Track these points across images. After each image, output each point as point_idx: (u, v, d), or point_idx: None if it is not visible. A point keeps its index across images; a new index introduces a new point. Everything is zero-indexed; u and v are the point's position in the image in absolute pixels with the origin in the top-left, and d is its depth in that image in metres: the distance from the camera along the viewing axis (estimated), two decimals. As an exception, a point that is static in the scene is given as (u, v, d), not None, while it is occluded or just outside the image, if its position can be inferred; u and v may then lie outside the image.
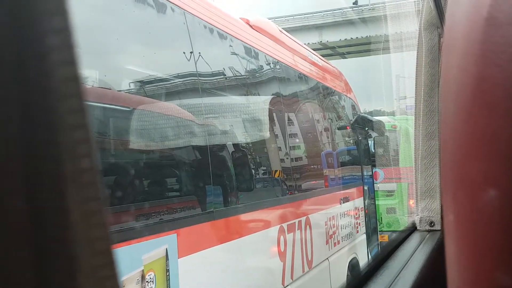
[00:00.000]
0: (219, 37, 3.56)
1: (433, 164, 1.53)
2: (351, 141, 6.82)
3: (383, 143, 7.64)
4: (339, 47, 23.45)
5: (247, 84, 4.09)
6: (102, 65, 2.47)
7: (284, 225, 4.00)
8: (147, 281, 2.29)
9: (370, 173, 7.41)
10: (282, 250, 3.91)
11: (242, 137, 3.86)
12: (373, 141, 7.55)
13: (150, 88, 2.88)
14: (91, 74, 2.32)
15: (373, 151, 7.69)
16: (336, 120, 6.31)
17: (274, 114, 4.35)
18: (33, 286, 0.19)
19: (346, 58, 25.69)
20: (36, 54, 0.19)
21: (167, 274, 2.45)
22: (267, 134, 4.17)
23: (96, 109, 2.37)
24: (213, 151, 3.17)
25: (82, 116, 0.21)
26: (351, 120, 6.76)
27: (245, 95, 4.12)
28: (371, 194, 7.37)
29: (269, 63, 4.41)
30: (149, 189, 2.70)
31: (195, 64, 3.11)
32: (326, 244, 5.05)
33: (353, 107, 7.05)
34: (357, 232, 6.35)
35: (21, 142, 0.19)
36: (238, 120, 3.86)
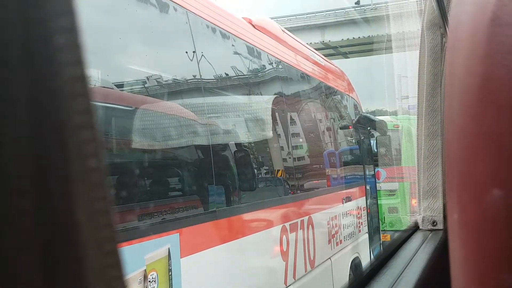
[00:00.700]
0: (222, 37, 3.56)
1: (435, 164, 1.53)
2: (354, 141, 6.82)
3: (385, 142, 7.64)
4: (342, 46, 23.43)
5: (250, 84, 4.09)
6: (102, 65, 2.48)
7: (287, 225, 4.00)
8: (149, 281, 2.29)
9: (372, 172, 7.40)
10: (285, 249, 3.91)
11: (244, 137, 3.86)
12: (375, 141, 7.55)
13: (152, 87, 2.88)
14: (93, 74, 2.33)
15: (375, 150, 7.68)
16: (339, 120, 6.31)
17: (277, 114, 4.35)
18: None
19: (348, 57, 25.66)
20: (43, 54, 0.19)
21: (170, 274, 2.46)
22: (269, 133, 4.17)
23: (100, 109, 2.37)
24: (215, 150, 3.17)
25: (89, 116, 0.21)
26: (354, 119, 6.75)
27: (247, 94, 4.12)
28: (373, 194, 7.37)
29: (272, 63, 4.41)
30: (152, 189, 2.70)
31: (198, 63, 3.11)
32: (329, 244, 5.05)
33: (356, 106, 7.05)
34: (360, 231, 6.35)
35: (28, 142, 0.19)
36: (241, 119, 3.86)
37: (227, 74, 3.71)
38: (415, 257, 1.17)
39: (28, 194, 0.19)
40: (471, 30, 0.32)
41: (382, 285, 0.97)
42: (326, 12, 22.28)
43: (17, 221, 0.19)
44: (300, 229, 4.26)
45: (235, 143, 3.63)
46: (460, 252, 0.33)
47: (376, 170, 7.83)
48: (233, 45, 3.74)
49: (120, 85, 2.67)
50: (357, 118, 6.87)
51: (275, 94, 4.42)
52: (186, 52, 3.07)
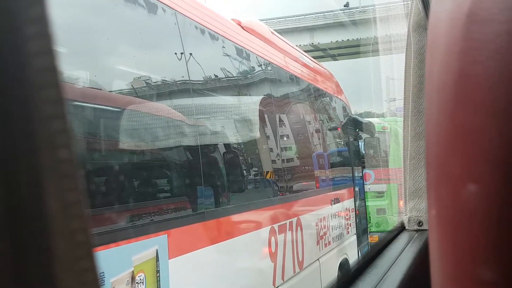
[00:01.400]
0: (211, 38, 3.56)
1: (421, 165, 1.54)
2: (342, 143, 6.85)
3: (373, 144, 7.68)
4: (331, 49, 23.54)
5: (239, 85, 4.09)
6: (91, 66, 2.46)
7: (275, 226, 4.00)
8: (137, 282, 2.28)
9: (360, 174, 7.44)
10: (273, 251, 3.91)
11: (233, 138, 3.86)
12: (363, 142, 7.59)
13: (140, 88, 2.87)
14: (81, 75, 2.31)
15: (364, 152, 7.72)
16: (327, 122, 6.33)
17: (265, 115, 4.36)
18: (9, 278, 0.19)
19: (337, 60, 25.77)
20: (12, 44, 0.19)
21: (158, 275, 2.44)
22: (258, 135, 4.18)
23: (88, 109, 2.35)
24: (204, 152, 3.17)
25: (60, 106, 0.20)
26: (342, 121, 6.78)
27: (236, 96, 4.12)
28: (361, 195, 7.41)
29: (261, 64, 4.41)
30: (140, 190, 2.69)
31: (186, 64, 3.10)
32: (317, 245, 5.06)
33: (344, 108, 7.08)
34: (348, 233, 6.37)
35: (-2, 133, 0.19)
36: (229, 121, 3.86)
37: (216, 76, 3.71)
38: (400, 257, 1.18)
39: (-3, 184, 0.19)
40: (448, 27, 0.32)
41: (367, 284, 0.97)
42: (316, 14, 22.37)
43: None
44: (288, 230, 4.26)
45: (224, 145, 3.63)
46: (437, 246, 0.34)
47: (364, 171, 7.88)
48: (222, 47, 3.74)
49: (108, 86, 2.66)
50: (345, 120, 6.90)
51: (264, 95, 4.42)
52: (175, 53, 3.06)
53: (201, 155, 3.08)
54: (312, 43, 22.14)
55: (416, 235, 1.47)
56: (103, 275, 2.00)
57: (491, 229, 0.30)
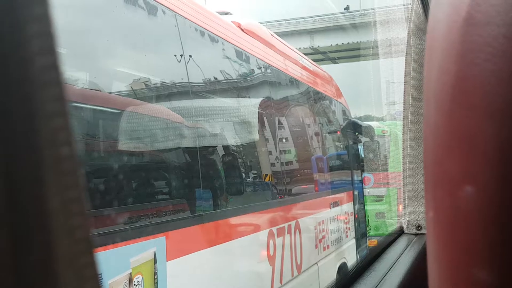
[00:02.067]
0: (211, 40, 3.57)
1: (420, 168, 1.55)
2: (342, 146, 6.85)
3: (373, 148, 7.69)
4: (330, 52, 23.57)
5: (238, 88, 4.09)
6: (89, 67, 2.47)
7: (274, 229, 4.00)
8: (134, 284, 2.27)
9: (360, 178, 7.44)
10: (272, 254, 3.91)
11: (232, 141, 3.86)
12: (362, 146, 7.59)
13: (139, 90, 2.87)
14: (79, 76, 2.32)
15: (363, 156, 7.73)
16: (327, 125, 6.33)
17: (265, 118, 4.36)
18: (10, 274, 0.19)
19: (337, 63, 25.81)
20: (14, 42, 0.20)
21: (155, 277, 2.44)
22: (257, 137, 4.18)
23: (86, 111, 2.36)
24: (202, 154, 3.17)
25: (62, 104, 0.21)
26: (342, 125, 6.79)
27: (235, 98, 4.13)
28: (360, 199, 7.40)
29: (260, 67, 4.42)
30: (138, 192, 2.69)
31: (186, 66, 3.11)
32: (316, 249, 5.06)
33: (344, 112, 7.09)
34: (347, 236, 6.37)
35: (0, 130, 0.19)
36: (228, 123, 3.86)
37: (215, 78, 3.71)
38: (399, 260, 1.18)
39: (-1, 181, 0.19)
40: (446, 30, 0.32)
41: (366, 287, 0.97)
42: (315, 18, 22.42)
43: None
44: (287, 233, 4.26)
45: (223, 147, 3.63)
46: (435, 248, 0.34)
47: (363, 175, 7.88)
48: (222, 49, 3.74)
49: (107, 88, 2.66)
50: (345, 123, 6.91)
51: (263, 98, 4.43)
52: (175, 55, 3.07)
53: (200, 157, 3.08)
54: (312, 46, 22.18)
55: (415, 239, 1.47)
56: (101, 276, 1.99)
57: (488, 230, 0.30)
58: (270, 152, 4.40)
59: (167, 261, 2.53)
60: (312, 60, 6.85)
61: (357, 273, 1.06)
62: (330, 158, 6.21)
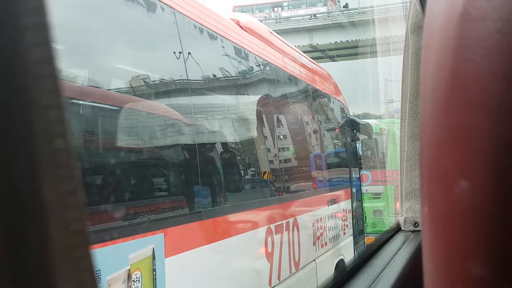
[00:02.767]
0: (209, 37, 3.56)
1: (417, 166, 1.55)
2: (340, 144, 6.86)
3: (371, 145, 7.69)
4: (329, 49, 23.57)
5: (237, 85, 4.09)
6: (87, 63, 2.46)
7: (272, 226, 4.01)
8: (133, 281, 2.28)
9: (358, 175, 7.45)
10: (270, 251, 3.92)
11: (231, 138, 3.86)
12: (361, 144, 7.60)
13: (138, 87, 2.86)
14: (77, 72, 2.31)
15: (361, 153, 7.73)
16: (325, 123, 6.34)
17: (263, 115, 4.36)
18: (4, 266, 0.19)
19: (335, 61, 25.82)
20: (9, 34, 0.20)
21: (154, 273, 2.44)
22: (255, 135, 4.18)
23: (84, 107, 2.35)
24: (201, 151, 3.17)
25: (57, 96, 0.21)
26: (340, 122, 6.79)
27: (234, 95, 4.13)
28: (358, 197, 7.42)
29: (259, 64, 4.42)
30: (137, 188, 2.69)
31: (185, 63, 3.10)
32: (314, 246, 5.07)
33: (342, 109, 7.09)
34: (344, 234, 6.38)
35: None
36: (227, 121, 3.86)
37: (214, 75, 3.71)
38: (395, 257, 1.18)
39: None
40: (442, 26, 0.32)
41: (362, 283, 0.98)
42: (314, 15, 22.40)
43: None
44: (285, 230, 4.26)
45: (221, 144, 3.63)
46: (430, 243, 0.34)
47: (361, 173, 7.89)
48: (220, 46, 3.74)
49: (104, 84, 2.66)
50: (343, 121, 6.91)
51: (262, 95, 4.43)
52: (173, 52, 3.06)
53: (198, 154, 3.08)
54: (311, 44, 22.18)
55: (412, 235, 1.48)
56: (100, 273, 2.00)
57: (483, 225, 0.30)
58: (268, 150, 4.40)
59: (165, 257, 2.53)
60: (311, 57, 6.85)
61: (354, 269, 1.07)
62: (328, 155, 6.21)
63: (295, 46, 6.56)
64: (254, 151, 4.27)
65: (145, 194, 2.73)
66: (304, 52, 7.07)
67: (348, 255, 6.34)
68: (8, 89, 0.19)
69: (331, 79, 6.90)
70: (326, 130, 6.31)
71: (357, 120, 7.67)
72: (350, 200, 6.78)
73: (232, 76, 3.95)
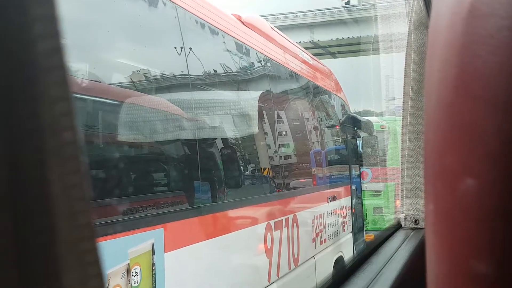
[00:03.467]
0: (211, 33, 3.56)
1: (419, 163, 1.55)
2: (340, 141, 6.86)
3: (371, 143, 7.69)
4: (330, 46, 23.52)
5: (237, 81, 4.09)
6: (89, 59, 2.46)
7: (271, 222, 4.01)
8: (132, 275, 2.28)
9: (358, 172, 7.45)
10: (269, 247, 3.92)
11: (231, 134, 3.86)
12: (361, 141, 7.60)
13: (139, 82, 2.86)
14: (79, 67, 2.31)
15: (361, 150, 7.73)
16: (326, 119, 6.33)
17: (264, 112, 4.36)
18: (11, 257, 0.19)
19: (337, 57, 25.77)
20: (18, 26, 0.19)
21: (153, 268, 2.45)
22: (256, 131, 4.18)
23: (86, 102, 2.35)
24: (201, 146, 3.17)
25: (65, 89, 0.21)
26: (341, 119, 6.79)
27: (235, 91, 4.12)
28: (358, 194, 7.42)
29: (260, 60, 4.41)
30: (137, 183, 2.69)
31: (186, 59, 3.10)
32: (313, 242, 5.07)
33: (343, 106, 7.08)
34: (344, 231, 6.39)
35: (2, 113, 0.19)
36: (227, 116, 3.86)
37: (215, 70, 3.70)
38: (396, 254, 1.19)
39: (2, 164, 0.19)
40: (449, 22, 0.32)
41: (363, 280, 0.98)
42: (316, 11, 22.35)
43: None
44: (284, 227, 4.27)
45: (221, 140, 3.63)
46: (434, 240, 0.34)
47: (361, 170, 7.89)
48: (222, 42, 3.73)
49: (106, 79, 2.65)
50: (344, 118, 6.91)
51: (262, 91, 4.42)
52: (175, 47, 3.06)
53: (199, 149, 3.08)
54: (312, 40, 22.13)
55: (412, 233, 1.48)
56: (103, 262, 1.99)
57: (488, 223, 0.30)
58: (268, 146, 4.40)
59: (165, 252, 2.54)
60: (312, 54, 6.84)
61: (355, 266, 1.07)
62: (328, 152, 6.21)
63: (297, 42, 6.55)
64: (254, 147, 4.27)
65: (145, 188, 2.73)
66: (306, 48, 7.06)
67: (347, 252, 6.35)
68: (16, 81, 0.19)
69: (332, 76, 6.90)
70: (327, 127, 6.30)
71: (358, 117, 7.67)
72: (350, 197, 6.78)
73: (233, 72, 3.94)
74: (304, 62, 5.67)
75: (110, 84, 2.68)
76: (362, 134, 7.57)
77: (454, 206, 0.32)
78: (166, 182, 3.00)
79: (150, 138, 2.82)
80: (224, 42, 3.76)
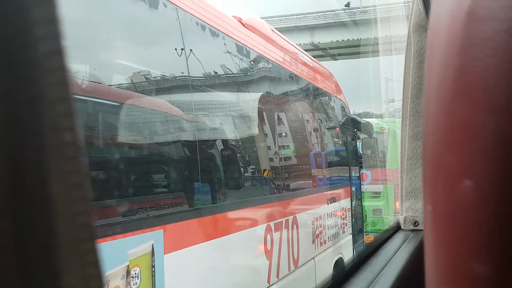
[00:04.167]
0: (211, 35, 3.56)
1: (418, 165, 1.55)
2: (340, 142, 6.86)
3: (371, 144, 7.70)
4: (330, 48, 23.54)
5: (237, 82, 4.09)
6: (88, 59, 2.46)
7: (271, 224, 4.01)
8: (132, 277, 2.28)
9: (357, 174, 7.45)
10: (269, 248, 3.92)
11: (231, 135, 3.86)
12: (361, 143, 7.60)
13: (139, 83, 2.86)
14: (82, 69, 2.31)
15: (361, 152, 7.74)
16: (326, 121, 6.34)
17: (264, 113, 4.36)
18: (11, 256, 0.19)
19: (337, 60, 25.78)
20: (19, 27, 0.20)
21: (153, 270, 2.45)
22: (256, 132, 4.18)
23: (85, 103, 2.35)
24: (201, 148, 3.17)
25: (65, 89, 0.21)
26: (341, 121, 6.79)
27: (235, 93, 4.12)
28: (358, 195, 7.42)
29: (261, 62, 4.41)
30: (137, 185, 2.69)
31: (186, 60, 3.10)
32: (313, 244, 5.07)
33: (343, 108, 7.09)
34: (344, 232, 6.39)
35: (3, 114, 0.19)
36: (227, 118, 3.86)
37: (215, 72, 3.71)
38: (395, 256, 1.19)
39: (2, 164, 0.19)
40: (448, 24, 0.32)
41: (362, 282, 0.98)
42: (316, 14, 22.38)
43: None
44: (284, 228, 4.27)
45: (221, 141, 3.63)
46: (433, 242, 0.34)
47: (361, 172, 7.89)
48: (222, 43, 3.74)
49: (106, 80, 2.66)
50: (344, 119, 6.91)
51: (262, 93, 4.42)
52: (175, 49, 3.06)
53: (199, 151, 3.08)
54: (312, 42, 22.15)
55: (412, 235, 1.48)
56: (103, 263, 1.99)
57: (487, 225, 0.30)
58: (268, 147, 4.40)
59: (164, 254, 2.54)
60: (312, 56, 6.84)
61: (354, 267, 1.07)
62: (328, 154, 6.22)
63: (297, 44, 6.55)
64: (254, 148, 4.27)
65: (145, 190, 2.73)
66: (306, 50, 7.06)
67: (347, 253, 6.35)
68: (17, 81, 0.19)
69: (332, 78, 6.90)
70: (327, 129, 6.31)
71: (358, 119, 7.68)
72: (350, 198, 6.78)
73: (233, 74, 3.94)
74: (304, 64, 5.68)
75: (110, 85, 2.68)
76: (361, 136, 7.58)
77: (453, 208, 0.32)
78: (166, 184, 3.00)
79: (150, 139, 2.82)
80: (225, 44, 3.76)
